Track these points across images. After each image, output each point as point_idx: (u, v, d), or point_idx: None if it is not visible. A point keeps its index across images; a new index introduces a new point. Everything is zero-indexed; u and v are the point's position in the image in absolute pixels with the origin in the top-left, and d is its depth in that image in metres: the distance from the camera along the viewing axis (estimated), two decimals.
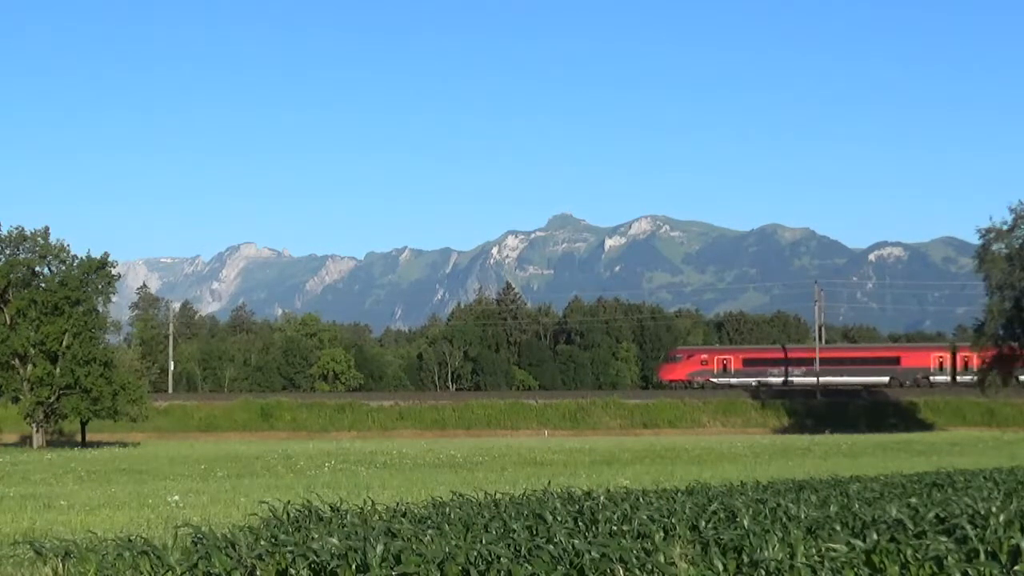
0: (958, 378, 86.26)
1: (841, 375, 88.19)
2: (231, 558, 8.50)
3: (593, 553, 8.18)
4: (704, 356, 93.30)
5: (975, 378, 79.42)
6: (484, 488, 15.61)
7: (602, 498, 13.29)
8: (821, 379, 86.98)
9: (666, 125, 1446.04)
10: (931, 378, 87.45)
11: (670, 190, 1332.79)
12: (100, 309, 60.78)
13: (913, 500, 12.66)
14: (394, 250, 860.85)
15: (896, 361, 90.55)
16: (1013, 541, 8.76)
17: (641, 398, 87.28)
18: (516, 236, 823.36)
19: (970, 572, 7.77)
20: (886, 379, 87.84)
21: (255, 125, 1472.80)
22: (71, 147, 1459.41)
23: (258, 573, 8.38)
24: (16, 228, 58.71)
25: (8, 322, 57.63)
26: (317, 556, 8.34)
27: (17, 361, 57.40)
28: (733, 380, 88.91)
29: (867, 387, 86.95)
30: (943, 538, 8.86)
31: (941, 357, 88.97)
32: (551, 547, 8.55)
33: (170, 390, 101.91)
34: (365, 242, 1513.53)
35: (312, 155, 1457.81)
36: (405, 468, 30.95)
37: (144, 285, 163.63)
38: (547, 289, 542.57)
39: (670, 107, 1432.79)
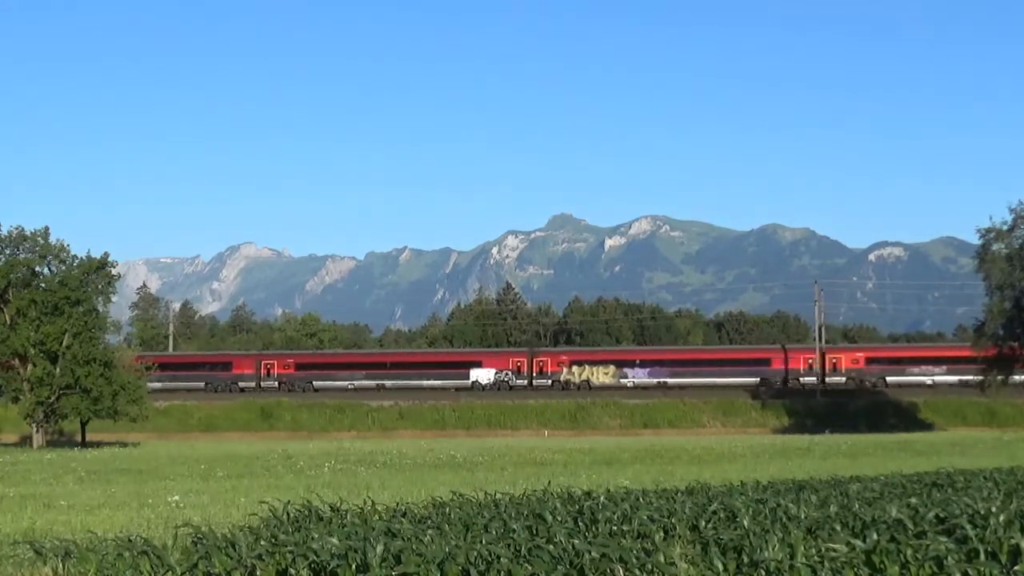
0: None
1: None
2: (231, 558, 8.49)
3: (593, 553, 8.17)
4: None
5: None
6: (484, 488, 15.57)
7: (602, 498, 13.25)
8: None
9: (666, 125, 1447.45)
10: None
11: (670, 190, 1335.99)
12: (100, 309, 60.76)
13: (913, 500, 12.63)
14: (394, 250, 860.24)
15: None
16: (1013, 541, 8.75)
17: (641, 398, 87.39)
18: (516, 236, 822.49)
19: (970, 572, 7.76)
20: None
21: (255, 125, 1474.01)
22: (71, 146, 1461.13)
23: (258, 573, 8.37)
24: (16, 228, 58.69)
25: (8, 322, 57.64)
26: (317, 556, 8.33)
27: (17, 361, 57.42)
28: None
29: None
30: (943, 538, 8.85)
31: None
32: (551, 547, 8.54)
33: None
34: (365, 242, 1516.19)
35: (312, 155, 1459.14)
36: (405, 468, 30.90)
37: (144, 285, 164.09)
38: (547, 289, 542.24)
39: (670, 107, 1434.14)
